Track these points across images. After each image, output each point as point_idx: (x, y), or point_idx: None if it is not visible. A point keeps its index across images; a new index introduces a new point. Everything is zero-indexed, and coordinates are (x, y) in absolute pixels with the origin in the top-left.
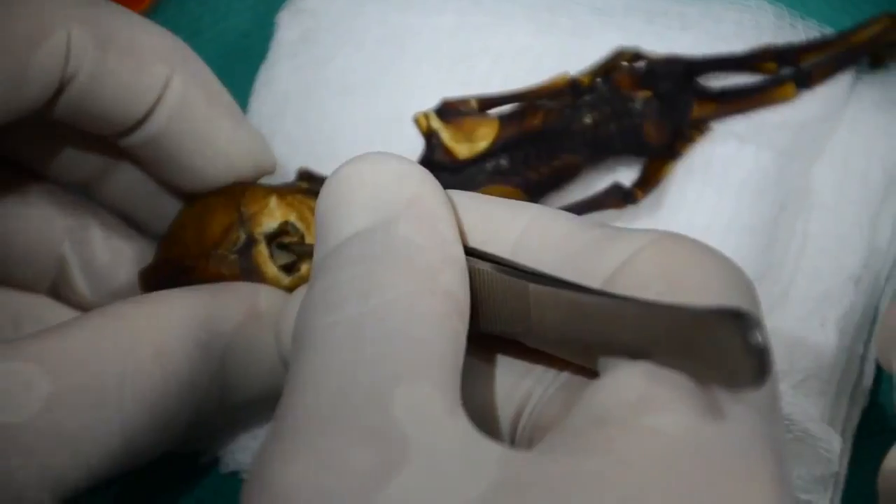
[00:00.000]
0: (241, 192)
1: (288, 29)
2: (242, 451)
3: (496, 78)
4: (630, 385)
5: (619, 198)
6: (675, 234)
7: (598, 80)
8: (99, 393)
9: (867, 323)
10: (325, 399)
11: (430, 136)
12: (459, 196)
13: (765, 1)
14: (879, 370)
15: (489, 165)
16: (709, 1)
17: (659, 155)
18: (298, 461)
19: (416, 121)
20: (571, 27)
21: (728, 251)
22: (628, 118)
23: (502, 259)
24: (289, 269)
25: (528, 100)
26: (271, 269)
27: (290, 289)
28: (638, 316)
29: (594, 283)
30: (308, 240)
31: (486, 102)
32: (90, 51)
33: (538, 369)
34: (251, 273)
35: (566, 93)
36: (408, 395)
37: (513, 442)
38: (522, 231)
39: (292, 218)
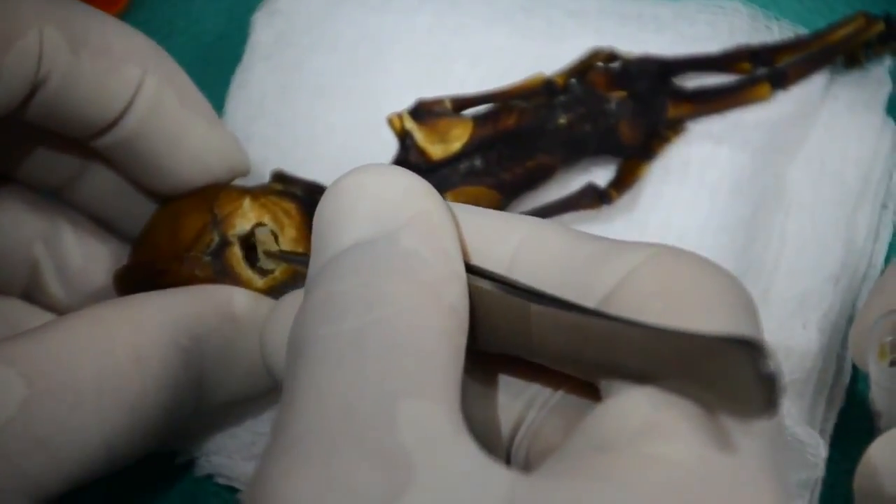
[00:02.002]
0: (215, 193)
1: (263, 31)
2: (217, 452)
3: (472, 79)
4: (635, 410)
5: (594, 198)
6: (673, 248)
7: (573, 80)
8: (76, 395)
9: (844, 322)
10: (329, 414)
11: (404, 136)
12: (457, 209)
13: (739, 2)
14: (856, 369)
15: (463, 166)
16: (683, 3)
17: (634, 155)
18: (303, 479)
19: (390, 122)
20: (547, 29)
21: (705, 251)
22: (603, 118)
23: (502, 277)
24: (263, 270)
25: (503, 100)
26: (245, 270)
27: (264, 290)
28: (643, 340)
29: (593, 300)
30: (282, 241)
31: (461, 103)
32: (63, 52)
33: (534, 387)
34: (225, 275)
35: (541, 93)
36: (412, 413)
37: (508, 461)
38: (519, 245)
39: (266, 219)
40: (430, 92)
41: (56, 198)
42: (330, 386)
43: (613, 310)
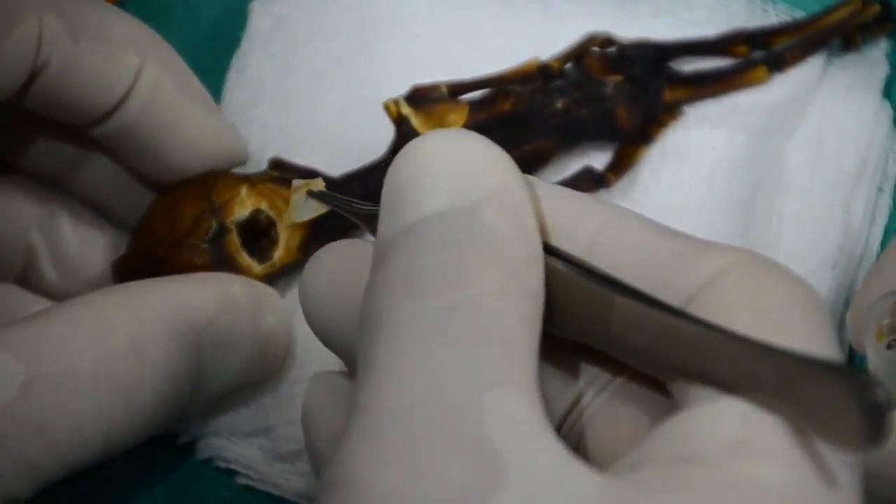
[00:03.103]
0: (212, 181)
1: (261, 17)
2: (217, 434)
3: (468, 63)
4: (728, 424)
5: (591, 182)
6: (755, 255)
7: (569, 64)
8: (74, 381)
9: (842, 305)
10: (415, 401)
11: (400, 122)
12: (536, 184)
13: None
14: (851, 352)
15: None
16: None
17: (631, 140)
18: (395, 466)
19: (387, 107)
20: (543, 13)
21: (704, 232)
22: (600, 102)
23: (582, 262)
24: (261, 257)
25: (499, 85)
26: (243, 258)
27: (262, 277)
28: (739, 352)
29: (674, 299)
30: (280, 228)
31: (457, 88)
32: (62, 39)
33: (591, 371)
34: (223, 262)
35: (537, 78)
36: (499, 406)
37: None
38: (598, 230)
39: (263, 206)
40: (427, 76)
41: (54, 186)
42: (413, 368)
43: (698, 314)
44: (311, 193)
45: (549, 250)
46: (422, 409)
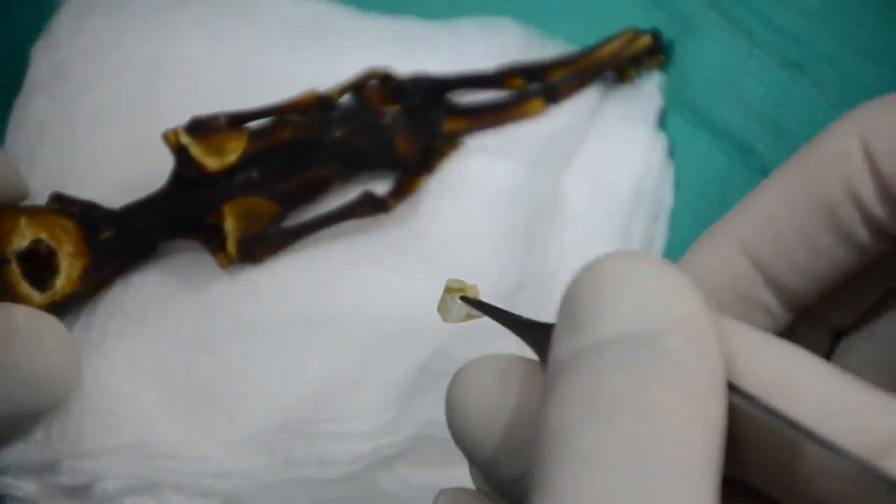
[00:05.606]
0: None
1: (41, 62)
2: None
3: (250, 100)
4: None
5: (372, 206)
6: None
7: (348, 95)
8: None
9: None
10: None
11: (180, 151)
12: (721, 319)
13: (513, 23)
14: None
15: (240, 178)
16: (457, 23)
17: (412, 169)
18: None
19: (166, 137)
20: (324, 50)
21: (486, 259)
22: (379, 132)
23: (766, 402)
24: (41, 286)
25: (278, 115)
26: (24, 287)
27: (44, 307)
28: None
29: (863, 453)
30: (61, 257)
31: (236, 118)
32: None
33: None
34: (4, 292)
35: (316, 108)
36: None
37: None
38: (781, 372)
39: (44, 236)
40: (210, 112)
41: None
42: (598, 498)
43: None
44: (464, 299)
45: (731, 387)
46: None
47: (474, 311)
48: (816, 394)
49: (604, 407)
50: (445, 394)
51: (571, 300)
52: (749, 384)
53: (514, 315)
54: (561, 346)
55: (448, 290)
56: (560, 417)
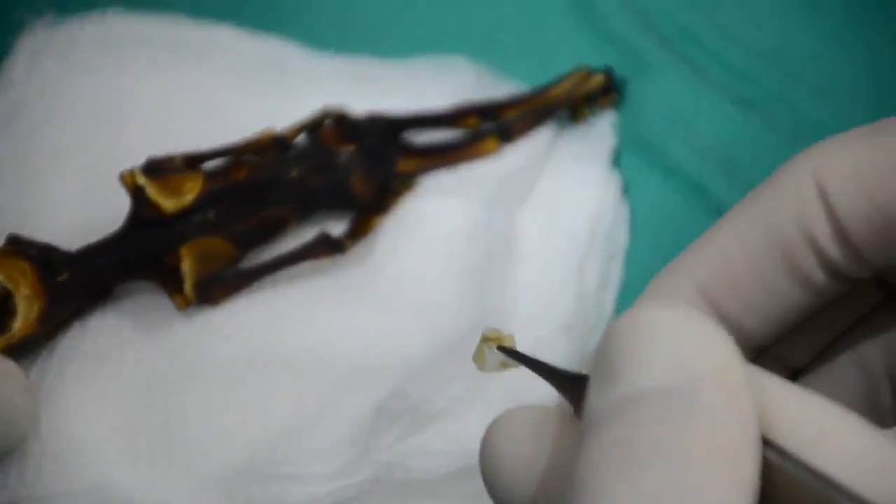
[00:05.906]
0: None
1: None
2: None
3: (206, 139)
4: None
5: (328, 247)
6: None
7: (304, 135)
8: None
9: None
10: None
11: (136, 192)
12: (753, 373)
13: (467, 62)
14: None
15: (197, 218)
16: (412, 63)
17: (367, 208)
18: None
19: (122, 178)
20: (279, 90)
21: (442, 299)
22: (334, 172)
23: (798, 458)
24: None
25: (234, 155)
26: None
27: (1, 349)
28: None
29: None
30: (18, 300)
31: (192, 159)
32: None
33: None
34: None
35: (272, 147)
36: None
37: None
38: (817, 428)
39: (0, 278)
40: (165, 151)
41: None
42: None
43: None
44: (500, 349)
45: (765, 441)
46: None
47: (510, 361)
48: (850, 449)
49: (636, 462)
50: (480, 444)
51: (607, 352)
52: (783, 438)
53: (549, 365)
54: (596, 398)
55: (485, 339)
56: (593, 472)
